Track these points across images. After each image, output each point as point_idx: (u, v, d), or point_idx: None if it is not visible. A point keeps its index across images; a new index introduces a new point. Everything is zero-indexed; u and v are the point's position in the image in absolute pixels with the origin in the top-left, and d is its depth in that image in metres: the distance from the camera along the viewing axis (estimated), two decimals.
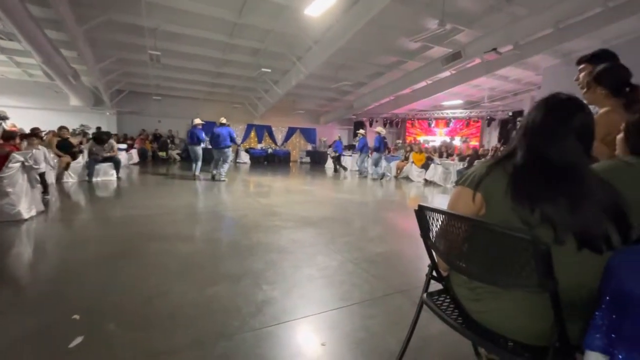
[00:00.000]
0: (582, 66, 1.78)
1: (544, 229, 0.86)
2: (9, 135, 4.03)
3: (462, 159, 9.67)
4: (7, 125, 6.06)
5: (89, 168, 6.60)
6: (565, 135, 0.92)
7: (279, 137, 16.46)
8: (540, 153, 0.93)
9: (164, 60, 8.36)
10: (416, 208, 1.18)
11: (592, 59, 1.73)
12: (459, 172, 8.28)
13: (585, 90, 1.66)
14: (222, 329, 1.71)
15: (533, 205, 0.88)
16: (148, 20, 6.51)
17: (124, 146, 9.98)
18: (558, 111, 0.94)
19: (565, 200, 0.86)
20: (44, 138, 6.80)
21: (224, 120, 7.75)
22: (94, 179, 6.62)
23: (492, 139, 13.50)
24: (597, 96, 1.58)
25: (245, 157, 14.16)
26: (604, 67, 1.55)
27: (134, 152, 10.86)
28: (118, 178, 7.06)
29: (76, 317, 1.75)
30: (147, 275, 2.35)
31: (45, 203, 4.17)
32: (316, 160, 15.29)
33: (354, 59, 8.76)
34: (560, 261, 0.82)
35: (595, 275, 0.86)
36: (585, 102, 1.74)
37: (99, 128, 10.03)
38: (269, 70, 9.13)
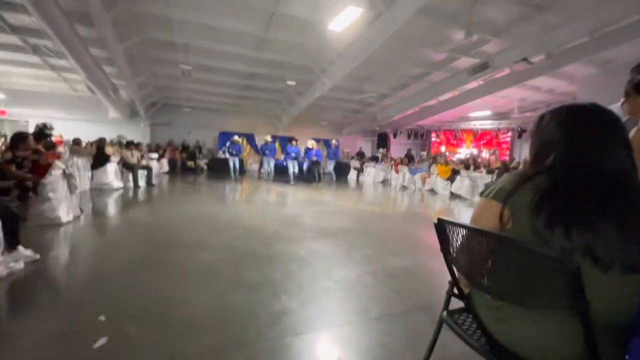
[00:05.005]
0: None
1: (579, 255, 0.79)
2: (51, 145, 4.35)
3: (490, 171, 9.31)
4: (54, 135, 6.58)
5: (134, 175, 7.19)
6: (611, 141, 0.86)
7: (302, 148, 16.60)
8: (587, 165, 0.86)
9: (194, 74, 8.79)
10: (435, 221, 1.14)
11: None
12: (487, 186, 7.96)
13: (623, 99, 1.55)
14: (238, 338, 1.72)
15: (568, 230, 0.80)
16: (180, 37, 6.90)
17: (155, 155, 10.48)
18: (595, 116, 0.89)
19: (613, 222, 0.78)
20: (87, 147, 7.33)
21: (268, 138, 10.58)
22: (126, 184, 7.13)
23: (523, 152, 12.91)
24: (637, 106, 1.47)
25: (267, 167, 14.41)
26: None
27: (164, 161, 11.39)
28: (152, 185, 7.47)
29: (102, 318, 1.82)
30: (169, 281, 2.41)
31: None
32: (338, 171, 15.22)
33: (377, 71, 8.77)
34: (592, 281, 0.75)
35: (633, 297, 0.78)
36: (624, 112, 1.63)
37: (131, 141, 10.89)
38: (294, 83, 9.33)
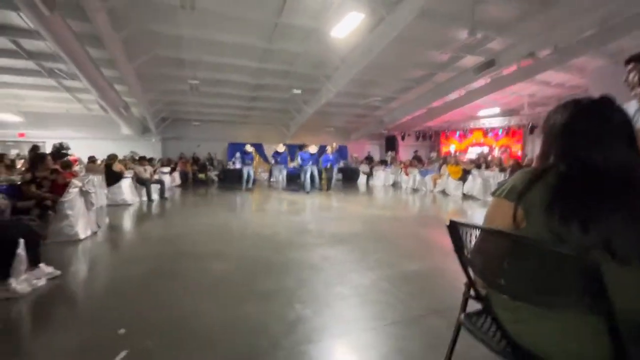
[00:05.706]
0: (631, 65, 1.64)
1: (597, 251, 0.77)
2: (67, 165, 4.49)
3: (502, 169, 9.14)
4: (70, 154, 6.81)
5: (147, 189, 7.39)
6: (609, 136, 0.84)
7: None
8: (586, 160, 0.84)
9: (202, 88, 8.99)
10: (448, 223, 1.13)
11: None
12: (500, 184, 7.82)
13: (638, 90, 1.51)
14: (254, 347, 1.72)
15: (585, 225, 0.78)
16: (188, 53, 7.08)
17: (167, 169, 10.69)
18: (594, 111, 0.88)
19: (625, 215, 0.76)
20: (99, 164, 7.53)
21: (280, 148, 10.78)
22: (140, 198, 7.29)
23: (535, 148, 12.65)
24: None
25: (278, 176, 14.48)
26: None
27: (176, 174, 11.59)
28: (164, 198, 7.67)
29: (122, 331, 1.85)
30: (185, 293, 2.44)
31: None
32: (348, 176, 15.18)
33: (382, 75, 8.78)
34: (613, 278, 0.73)
35: None
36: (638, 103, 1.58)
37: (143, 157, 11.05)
38: (300, 92, 9.42)
